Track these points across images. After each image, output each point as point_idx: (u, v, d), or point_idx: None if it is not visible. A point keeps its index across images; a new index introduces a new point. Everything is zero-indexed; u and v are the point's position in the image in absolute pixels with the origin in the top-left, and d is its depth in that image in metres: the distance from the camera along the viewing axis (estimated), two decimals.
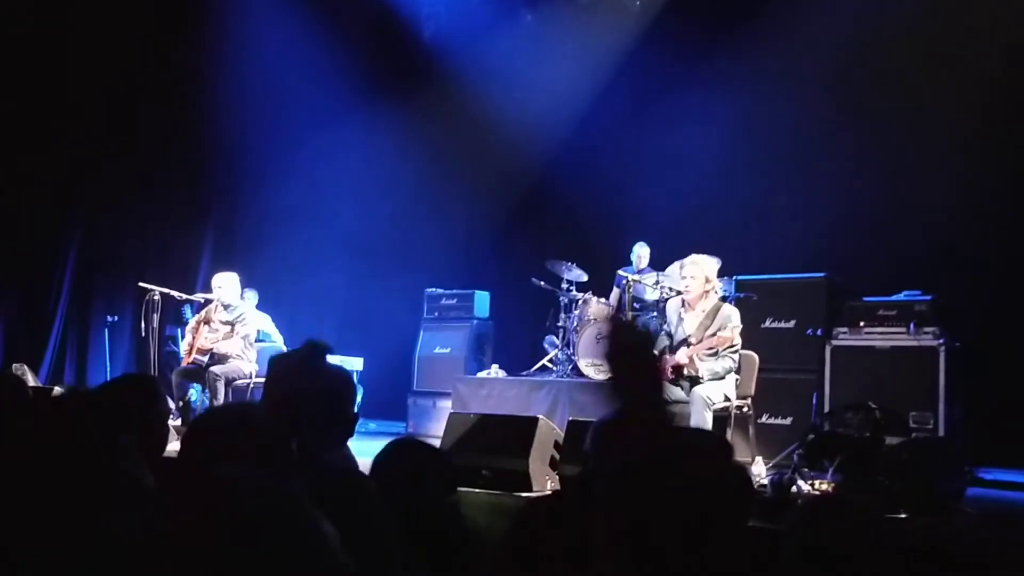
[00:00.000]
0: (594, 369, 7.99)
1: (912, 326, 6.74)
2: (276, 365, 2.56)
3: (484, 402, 7.99)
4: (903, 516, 4.44)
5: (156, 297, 7.51)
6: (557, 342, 8.55)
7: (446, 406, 8.46)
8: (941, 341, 6.65)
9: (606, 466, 2.15)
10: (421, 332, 9.54)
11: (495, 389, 8.26)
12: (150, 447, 2.32)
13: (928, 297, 6.87)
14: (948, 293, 7.02)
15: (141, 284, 7.65)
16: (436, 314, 9.56)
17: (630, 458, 2.02)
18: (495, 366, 8.80)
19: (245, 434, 2.05)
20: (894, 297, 7.01)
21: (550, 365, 8.65)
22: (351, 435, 2.50)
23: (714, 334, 5.76)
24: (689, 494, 2.07)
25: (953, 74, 7.70)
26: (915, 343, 6.72)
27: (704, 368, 5.76)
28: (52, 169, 9.44)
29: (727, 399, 5.79)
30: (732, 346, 5.81)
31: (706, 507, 2.08)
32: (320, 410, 2.40)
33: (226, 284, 7.63)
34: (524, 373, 8.73)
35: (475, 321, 9.35)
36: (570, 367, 8.26)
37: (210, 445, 1.86)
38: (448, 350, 9.30)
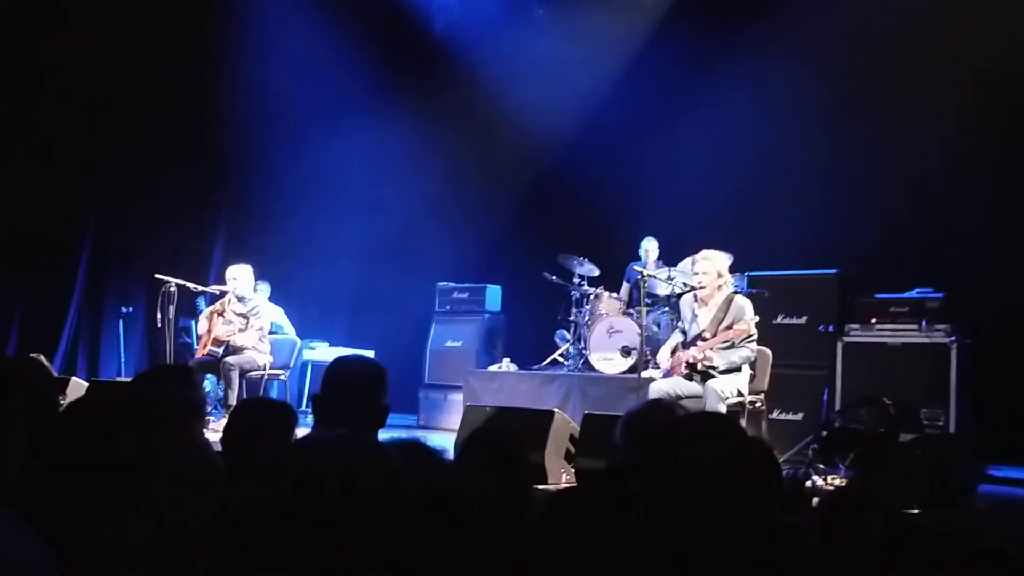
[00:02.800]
0: (605, 363, 8.02)
1: (924, 323, 6.76)
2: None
3: (495, 396, 8.02)
4: (916, 511, 4.47)
5: (172, 289, 7.54)
6: (568, 336, 8.57)
7: (457, 399, 8.51)
8: (953, 338, 6.67)
9: (638, 459, 2.17)
10: (433, 325, 9.57)
11: (506, 383, 8.31)
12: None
13: (940, 294, 6.90)
14: (960, 290, 7.03)
15: (157, 276, 7.67)
16: (448, 307, 9.58)
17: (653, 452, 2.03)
18: (506, 360, 8.82)
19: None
20: (906, 294, 7.04)
21: (561, 359, 8.68)
22: (382, 426, 2.54)
23: (729, 327, 5.76)
24: (713, 481, 2.07)
25: (967, 70, 7.69)
26: (927, 340, 6.74)
27: (721, 359, 5.76)
28: (66, 161, 9.47)
29: (740, 394, 5.81)
30: (749, 336, 5.80)
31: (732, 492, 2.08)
32: (352, 401, 2.43)
33: (241, 276, 7.67)
34: (535, 367, 8.76)
35: (487, 315, 9.38)
36: (581, 361, 8.29)
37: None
38: (460, 343, 9.33)
